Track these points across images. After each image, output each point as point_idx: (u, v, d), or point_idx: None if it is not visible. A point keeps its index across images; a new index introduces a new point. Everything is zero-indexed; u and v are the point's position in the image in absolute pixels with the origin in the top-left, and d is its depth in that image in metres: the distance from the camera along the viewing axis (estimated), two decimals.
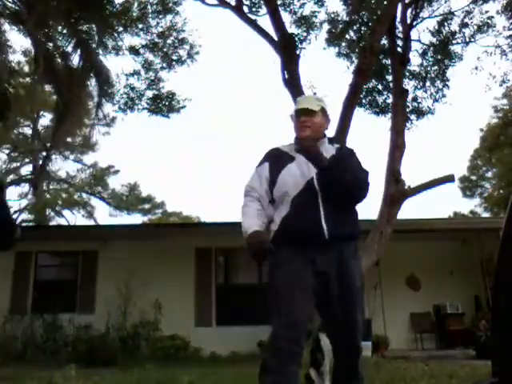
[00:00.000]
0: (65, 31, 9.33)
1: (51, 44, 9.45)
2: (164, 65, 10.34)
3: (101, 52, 9.92)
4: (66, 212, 23.83)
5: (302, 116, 2.47)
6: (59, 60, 9.86)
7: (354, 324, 2.26)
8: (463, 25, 9.80)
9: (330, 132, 7.29)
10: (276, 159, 2.44)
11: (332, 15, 9.97)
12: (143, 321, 9.19)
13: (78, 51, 9.23)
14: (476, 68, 10.17)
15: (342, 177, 2.30)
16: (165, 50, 10.19)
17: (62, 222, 23.45)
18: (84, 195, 24.71)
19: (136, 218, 24.76)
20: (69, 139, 21.73)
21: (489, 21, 9.65)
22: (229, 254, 11.00)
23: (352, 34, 10.24)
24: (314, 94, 8.78)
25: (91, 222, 23.37)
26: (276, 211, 2.37)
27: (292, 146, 2.47)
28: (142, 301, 9.13)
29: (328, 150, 2.44)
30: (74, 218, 23.65)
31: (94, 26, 9.48)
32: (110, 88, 10.05)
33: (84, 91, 10.38)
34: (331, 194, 2.30)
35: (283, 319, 2.17)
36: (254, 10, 9.39)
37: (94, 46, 9.73)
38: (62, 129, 10.67)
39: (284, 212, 2.31)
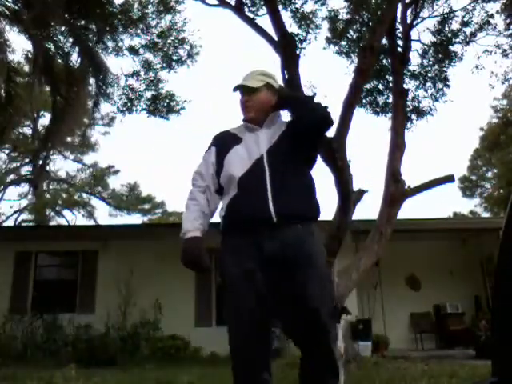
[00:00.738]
0: (63, 29, 9.32)
1: (50, 43, 9.45)
2: (164, 65, 10.34)
3: (100, 51, 9.92)
4: (66, 212, 23.86)
5: (243, 95, 2.27)
6: (59, 60, 9.87)
7: (315, 313, 1.94)
8: (463, 24, 9.80)
9: (330, 132, 7.30)
10: (222, 142, 2.25)
11: (332, 14, 9.97)
12: (143, 321, 9.19)
13: (76, 49, 9.24)
14: (477, 67, 10.17)
15: (306, 105, 2.21)
16: (165, 49, 10.19)
17: (61, 222, 23.47)
18: (84, 195, 24.72)
19: (136, 218, 24.79)
20: (68, 139, 21.76)
21: (490, 19, 9.65)
22: None
23: (352, 33, 10.24)
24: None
25: (91, 222, 23.39)
26: (224, 197, 2.17)
27: (242, 127, 2.28)
28: (141, 301, 9.14)
29: (279, 126, 2.25)
30: (73, 218, 23.66)
31: (93, 24, 9.48)
32: (109, 87, 10.05)
33: (83, 90, 10.38)
34: (281, 172, 2.08)
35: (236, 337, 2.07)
36: (254, 10, 9.40)
37: (93, 45, 9.73)
38: (60, 128, 10.66)
39: (231, 196, 2.11)
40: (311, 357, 2.00)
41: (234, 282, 2.01)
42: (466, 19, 9.80)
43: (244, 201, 2.05)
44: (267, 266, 1.94)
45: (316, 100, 2.29)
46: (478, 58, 10.03)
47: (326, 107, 2.19)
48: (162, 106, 10.34)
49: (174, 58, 10.32)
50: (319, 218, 2.18)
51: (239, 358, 2.04)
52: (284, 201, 2.02)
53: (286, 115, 2.46)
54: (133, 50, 10.17)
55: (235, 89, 2.28)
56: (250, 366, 2.00)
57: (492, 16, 9.62)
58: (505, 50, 9.86)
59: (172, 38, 10.12)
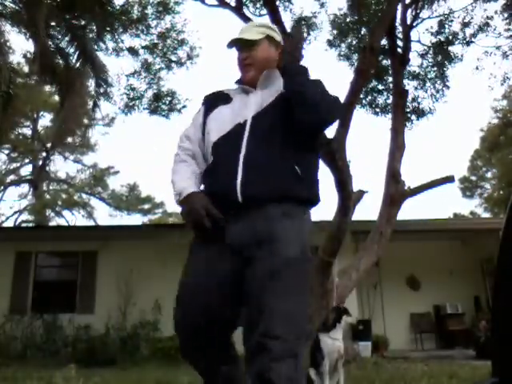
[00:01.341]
0: (63, 28, 9.33)
1: (51, 42, 9.45)
2: (163, 65, 10.35)
3: (100, 50, 9.93)
4: (65, 212, 23.85)
5: (240, 52, 1.89)
6: (59, 60, 9.86)
7: (262, 336, 1.53)
8: (463, 25, 9.81)
9: (330, 132, 7.31)
10: (212, 102, 1.90)
11: (332, 16, 9.99)
12: (143, 321, 9.19)
13: (74, 48, 9.23)
14: (477, 68, 10.19)
15: (308, 88, 1.72)
16: (164, 51, 10.20)
17: (61, 222, 23.46)
18: (84, 196, 24.72)
19: (136, 219, 24.79)
20: (69, 139, 21.78)
21: (489, 21, 9.66)
22: None
23: (352, 34, 10.25)
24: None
25: (91, 223, 23.39)
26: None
27: (238, 89, 1.91)
28: (141, 301, 9.14)
29: (276, 87, 1.85)
30: (73, 218, 23.67)
31: (93, 24, 9.48)
32: (109, 87, 10.06)
33: (83, 90, 10.39)
34: (264, 143, 1.68)
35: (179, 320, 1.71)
36: (253, 10, 9.41)
37: (93, 44, 9.73)
38: (60, 128, 10.68)
39: (206, 166, 1.80)
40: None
41: (189, 269, 1.77)
42: (465, 20, 9.82)
43: (213, 174, 1.72)
44: (232, 255, 1.62)
45: (321, 86, 1.81)
46: (478, 60, 10.06)
47: (334, 101, 1.78)
48: (164, 103, 10.34)
49: (174, 59, 10.34)
50: (313, 208, 1.78)
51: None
52: (256, 178, 1.61)
53: None
54: (133, 51, 10.18)
55: (230, 44, 1.90)
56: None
57: (491, 18, 9.63)
58: (505, 52, 9.88)
59: (171, 40, 10.12)
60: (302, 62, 1.86)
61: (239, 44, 1.88)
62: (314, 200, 1.74)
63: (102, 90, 9.87)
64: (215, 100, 1.90)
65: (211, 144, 1.76)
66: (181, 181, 1.75)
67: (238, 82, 1.93)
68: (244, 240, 1.60)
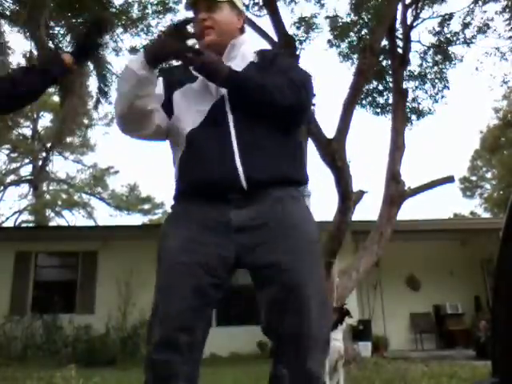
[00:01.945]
0: (64, 27, 9.34)
1: (51, 42, 9.46)
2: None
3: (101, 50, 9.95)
4: (65, 213, 23.86)
5: (198, 12, 1.66)
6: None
7: (299, 291, 1.43)
8: (463, 25, 9.81)
9: (330, 132, 7.31)
10: (172, 77, 1.69)
11: (332, 16, 10.00)
12: (143, 321, 9.17)
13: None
14: (476, 69, 10.20)
15: (256, 91, 1.53)
16: None
17: (61, 222, 23.46)
18: (84, 196, 24.73)
19: (136, 219, 24.79)
20: (69, 139, 21.79)
21: (489, 22, 9.67)
22: None
23: (352, 34, 10.26)
24: None
25: (91, 223, 23.39)
26: (174, 149, 1.65)
27: None
28: (141, 301, 9.12)
29: (245, 56, 1.68)
30: (73, 218, 23.67)
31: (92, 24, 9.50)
32: (111, 86, 10.07)
33: (83, 90, 10.41)
34: (250, 120, 1.53)
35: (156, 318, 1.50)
36: (253, 10, 9.43)
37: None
38: (59, 128, 10.71)
39: (180, 153, 1.59)
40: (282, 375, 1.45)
41: (170, 257, 1.62)
42: (466, 21, 9.82)
43: (200, 161, 1.53)
44: (236, 240, 1.48)
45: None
46: (479, 61, 10.07)
47: (287, 84, 1.54)
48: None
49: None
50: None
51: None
52: (257, 162, 1.50)
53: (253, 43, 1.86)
54: (133, 51, 10.19)
55: (189, 5, 1.71)
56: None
57: (492, 19, 9.64)
58: (503, 54, 9.90)
59: None
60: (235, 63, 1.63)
61: (199, 4, 1.67)
62: (306, 182, 1.64)
63: (103, 90, 9.88)
64: (177, 75, 1.68)
65: (186, 132, 1.56)
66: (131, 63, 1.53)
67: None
68: (254, 222, 1.48)
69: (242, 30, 1.75)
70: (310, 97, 1.60)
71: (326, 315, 1.51)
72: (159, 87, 1.63)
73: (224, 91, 1.56)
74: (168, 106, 1.62)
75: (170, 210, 1.69)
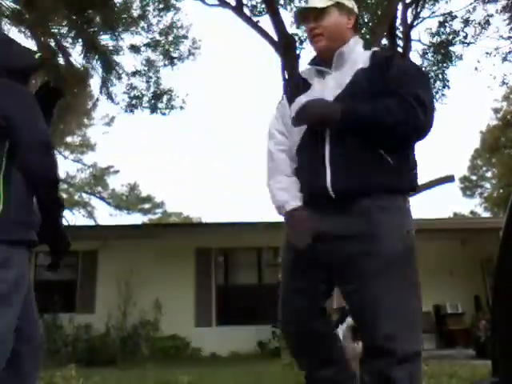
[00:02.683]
0: (65, 27, 9.33)
1: (52, 41, 9.46)
2: (166, 62, 10.37)
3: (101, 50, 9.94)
4: (66, 212, 23.86)
5: (308, 22, 1.77)
6: (60, 59, 9.87)
7: (377, 314, 1.53)
8: (464, 24, 9.81)
9: None
10: (293, 91, 1.83)
11: None
12: (143, 321, 9.19)
13: (80, 44, 9.24)
14: (476, 69, 10.20)
15: (366, 124, 1.60)
16: (166, 47, 10.22)
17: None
18: (84, 195, 24.73)
19: (136, 218, 24.79)
20: (69, 139, 21.78)
21: (489, 18, 9.67)
22: (229, 254, 11.01)
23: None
24: None
25: (91, 222, 23.39)
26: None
27: (314, 70, 1.81)
28: (141, 301, 9.14)
29: (355, 62, 1.71)
30: (73, 218, 23.67)
31: (94, 21, 9.48)
32: (113, 85, 10.08)
33: (84, 90, 10.41)
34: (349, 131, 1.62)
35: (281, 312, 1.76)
36: (254, 10, 9.41)
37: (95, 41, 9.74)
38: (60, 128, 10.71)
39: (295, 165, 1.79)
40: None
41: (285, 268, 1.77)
42: (466, 20, 9.82)
43: (300, 173, 1.72)
44: (322, 249, 1.62)
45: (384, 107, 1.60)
46: (478, 61, 10.08)
47: (412, 111, 1.57)
48: (162, 101, 10.36)
49: (175, 54, 10.36)
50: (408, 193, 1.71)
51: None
52: (344, 173, 1.60)
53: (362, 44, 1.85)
54: (134, 49, 10.20)
55: (297, 17, 1.85)
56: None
57: (491, 15, 9.65)
58: (504, 53, 9.90)
59: (173, 36, 10.14)
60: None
61: (307, 14, 1.78)
62: (408, 187, 1.68)
63: (106, 89, 9.89)
64: (295, 88, 1.82)
65: (296, 144, 1.73)
66: (280, 191, 1.72)
67: (312, 61, 1.83)
68: (339, 233, 1.59)
69: (354, 28, 1.82)
70: (428, 115, 1.59)
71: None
72: (285, 108, 1.82)
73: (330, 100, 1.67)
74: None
75: None
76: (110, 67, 9.53)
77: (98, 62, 9.48)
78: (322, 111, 1.62)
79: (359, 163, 1.60)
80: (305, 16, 1.79)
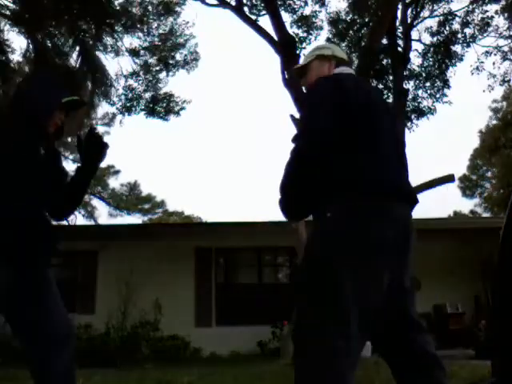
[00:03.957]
0: (63, 29, 9.32)
1: (50, 42, 9.45)
2: (163, 68, 10.35)
3: (99, 50, 9.93)
4: None
5: (298, 79, 2.11)
6: (58, 60, 9.86)
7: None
8: (464, 24, 9.81)
9: None
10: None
11: (332, 15, 9.99)
12: (143, 321, 9.18)
13: (76, 48, 9.23)
14: (477, 68, 10.19)
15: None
16: (164, 53, 10.20)
17: (61, 222, 23.42)
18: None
19: (136, 218, 24.78)
20: (69, 139, 21.76)
21: (489, 20, 9.66)
22: (229, 253, 11.00)
23: (352, 33, 10.25)
24: None
25: (91, 222, 23.38)
26: None
27: None
28: (141, 301, 9.13)
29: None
30: (73, 218, 23.61)
31: (92, 24, 9.47)
32: (107, 88, 10.06)
33: (82, 90, 10.39)
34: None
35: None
36: (254, 10, 9.41)
37: (93, 44, 9.73)
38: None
39: None
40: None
41: None
42: (466, 20, 9.82)
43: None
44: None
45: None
46: (479, 61, 10.07)
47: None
48: (161, 107, 10.34)
49: (172, 62, 10.34)
50: None
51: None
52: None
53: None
54: (133, 52, 10.19)
55: (293, 80, 2.21)
56: None
57: (492, 17, 9.64)
58: (504, 53, 9.90)
59: (171, 42, 10.12)
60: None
61: (296, 71, 2.10)
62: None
63: (100, 91, 9.88)
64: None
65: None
66: None
67: None
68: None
69: (340, 63, 2.04)
70: (306, 144, 1.67)
71: None
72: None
73: None
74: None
75: None
76: (98, 70, 9.50)
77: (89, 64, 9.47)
78: None
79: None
80: (295, 73, 2.14)
